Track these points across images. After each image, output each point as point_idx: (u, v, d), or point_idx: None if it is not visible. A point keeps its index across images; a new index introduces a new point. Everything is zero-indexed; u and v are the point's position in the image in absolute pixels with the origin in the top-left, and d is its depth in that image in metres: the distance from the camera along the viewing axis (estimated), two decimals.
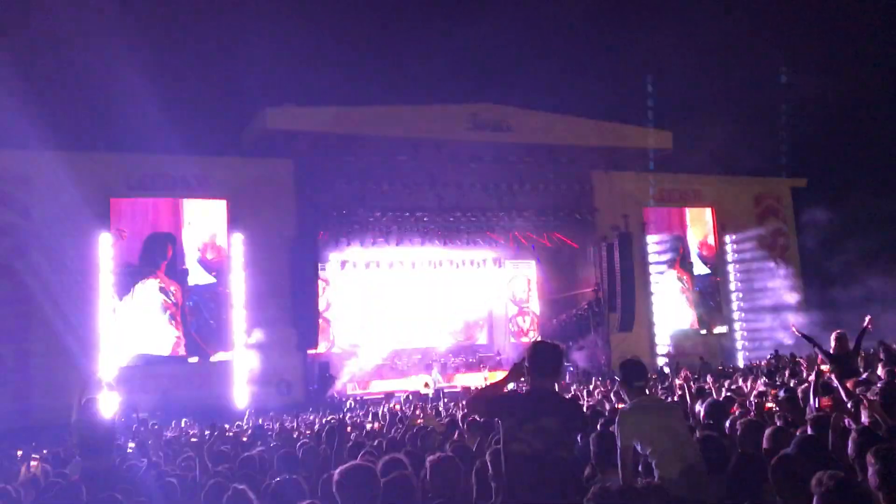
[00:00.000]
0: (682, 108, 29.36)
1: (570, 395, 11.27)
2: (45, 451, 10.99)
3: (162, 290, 22.07)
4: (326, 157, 22.91)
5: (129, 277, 21.77)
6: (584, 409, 5.16)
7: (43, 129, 20.72)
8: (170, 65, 28.17)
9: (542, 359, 4.36)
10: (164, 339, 21.98)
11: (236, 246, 22.55)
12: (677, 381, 15.81)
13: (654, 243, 28.20)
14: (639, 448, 4.71)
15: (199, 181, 22.66)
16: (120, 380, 20.45)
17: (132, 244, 21.87)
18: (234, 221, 22.60)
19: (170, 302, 22.07)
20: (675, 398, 8.78)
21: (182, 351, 22.06)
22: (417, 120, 23.53)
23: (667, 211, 29.02)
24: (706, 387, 11.57)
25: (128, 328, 21.52)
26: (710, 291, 29.27)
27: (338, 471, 3.84)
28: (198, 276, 22.53)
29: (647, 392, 5.15)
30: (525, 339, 29.45)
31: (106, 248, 21.02)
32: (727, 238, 29.33)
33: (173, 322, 22.07)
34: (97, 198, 21.22)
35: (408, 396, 22.05)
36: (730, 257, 29.32)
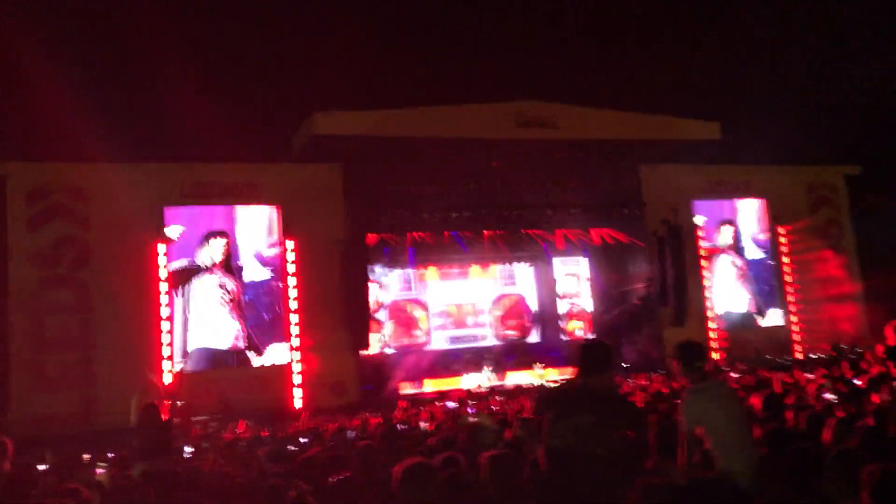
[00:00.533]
0: (730, 97, 28.91)
1: (621, 392, 11.23)
2: (110, 455, 11.33)
3: (220, 285, 22.54)
4: (374, 160, 23.13)
5: (187, 275, 22.26)
6: (634, 407, 5.15)
7: (99, 142, 21.40)
8: (219, 74, 28.69)
9: (589, 357, 4.43)
10: (224, 333, 22.43)
11: (288, 251, 22.88)
12: (733, 375, 15.65)
13: (705, 233, 27.79)
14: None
15: (250, 188, 23.10)
16: (178, 383, 20.97)
17: (189, 242, 22.39)
18: (285, 227, 22.97)
19: (228, 297, 22.54)
20: None
21: (241, 344, 22.49)
22: (463, 120, 23.55)
23: (717, 202, 28.57)
24: (763, 378, 11.41)
25: (189, 326, 22.06)
26: (765, 276, 28.74)
27: (397, 469, 3.92)
28: (253, 273, 22.97)
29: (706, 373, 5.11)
30: (576, 336, 29.35)
31: (162, 256, 21.49)
32: (780, 229, 28.74)
33: (233, 315, 22.53)
34: (152, 207, 21.80)
35: (461, 395, 22.17)
36: (784, 248, 28.72)
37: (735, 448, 4.56)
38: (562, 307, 29.89)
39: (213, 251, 22.59)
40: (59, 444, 15.84)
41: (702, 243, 27.44)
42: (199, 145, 23.11)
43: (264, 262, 23.14)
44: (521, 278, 30.09)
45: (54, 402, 19.97)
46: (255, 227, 23.15)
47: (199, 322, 22.19)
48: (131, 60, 26.87)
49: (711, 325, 27.03)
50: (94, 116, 22.20)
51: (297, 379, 22.40)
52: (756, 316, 28.26)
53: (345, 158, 23.45)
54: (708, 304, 27.15)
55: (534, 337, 29.75)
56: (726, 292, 28.00)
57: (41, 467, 9.87)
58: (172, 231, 22.12)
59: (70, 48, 24.89)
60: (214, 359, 22.22)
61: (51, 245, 20.79)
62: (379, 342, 26.46)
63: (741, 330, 27.58)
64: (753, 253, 28.80)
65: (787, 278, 28.59)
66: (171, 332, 21.28)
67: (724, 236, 28.41)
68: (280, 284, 22.94)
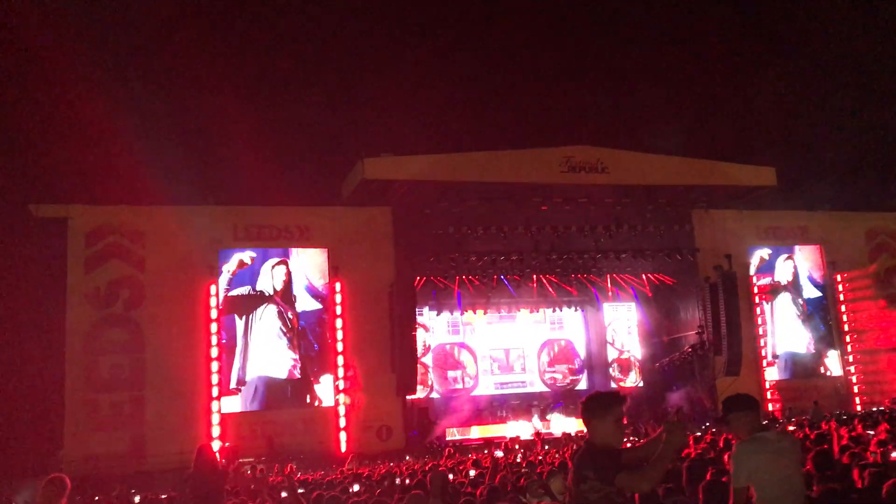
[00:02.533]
0: (786, 142, 28.52)
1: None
2: (163, 497, 11.39)
3: (279, 314, 22.92)
4: (423, 204, 23.25)
5: (250, 302, 22.72)
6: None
7: (156, 186, 22.02)
8: (272, 119, 29.37)
9: (591, 409, 4.29)
10: (281, 362, 22.72)
11: (336, 292, 23.02)
12: (790, 427, 15.12)
13: (761, 275, 27.24)
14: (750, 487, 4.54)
15: (301, 231, 23.42)
16: (226, 425, 21.10)
17: (253, 268, 22.90)
18: (334, 268, 23.15)
19: (286, 328, 22.88)
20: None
21: (297, 374, 22.71)
22: (512, 164, 23.59)
23: (773, 249, 28.06)
24: (822, 432, 10.95)
25: (249, 354, 22.38)
26: (822, 315, 28.02)
27: None
28: (304, 303, 23.28)
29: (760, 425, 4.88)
30: (624, 385, 28.83)
31: (214, 298, 21.79)
32: (838, 276, 28.02)
33: (290, 345, 22.82)
34: (207, 249, 22.21)
35: (507, 443, 21.82)
36: (841, 295, 27.95)
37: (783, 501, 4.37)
38: (611, 354, 29.43)
39: (275, 279, 23.06)
40: (109, 483, 16.03)
41: (759, 281, 26.92)
42: (252, 189, 23.62)
43: (315, 293, 23.39)
44: (569, 323, 29.79)
45: (106, 441, 20.24)
46: (308, 260, 23.51)
47: (259, 351, 22.53)
48: (188, 107, 27.69)
49: (769, 375, 26.32)
50: (152, 161, 22.88)
51: (342, 422, 22.35)
52: (816, 355, 27.52)
53: (394, 202, 23.64)
54: (763, 352, 26.47)
55: (582, 383, 29.31)
56: (786, 332, 27.36)
57: None
58: (245, 256, 22.64)
59: (128, 97, 25.76)
60: (272, 388, 22.43)
61: (106, 285, 21.28)
62: (425, 387, 26.30)
63: (803, 375, 26.86)
64: (811, 292, 28.13)
65: (846, 327, 27.77)
66: (220, 371, 21.44)
67: (785, 271, 27.84)
68: (330, 317, 23.17)
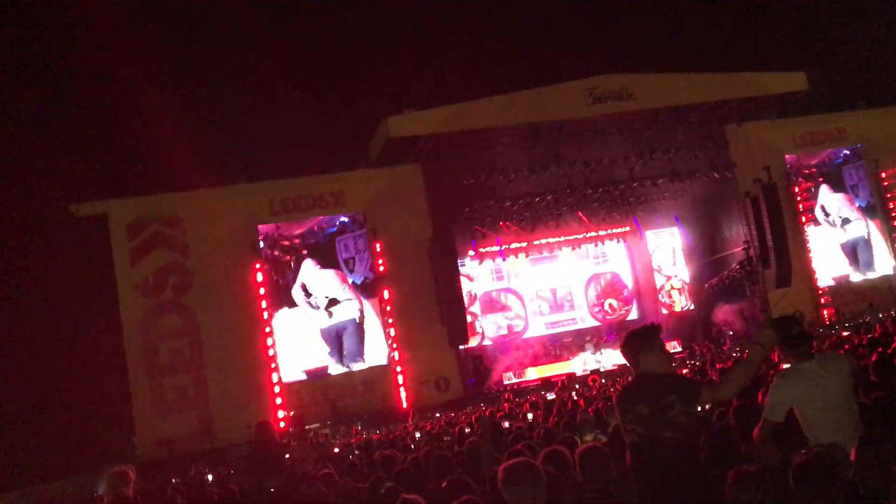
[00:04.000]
0: (813, 43, 27.62)
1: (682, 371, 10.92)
2: (231, 472, 11.78)
3: (311, 304, 23.42)
4: (452, 156, 23.12)
5: (284, 296, 23.19)
6: (686, 381, 4.92)
7: (189, 170, 22.34)
8: (293, 92, 29.37)
9: (629, 348, 4.34)
10: (319, 354, 23.32)
11: (378, 254, 23.21)
12: (844, 334, 14.94)
13: (802, 187, 26.74)
14: (794, 415, 4.50)
15: (335, 198, 23.52)
16: (289, 394, 21.64)
17: (284, 264, 23.32)
18: (372, 231, 23.29)
19: (320, 320, 23.48)
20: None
21: (339, 367, 23.30)
22: (535, 103, 23.27)
23: (812, 155, 27.44)
24: (876, 338, 10.75)
25: (291, 345, 22.83)
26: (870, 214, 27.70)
27: (501, 468, 3.89)
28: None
29: (811, 350, 4.76)
30: (676, 308, 28.71)
31: (259, 273, 22.14)
32: (882, 174, 27.31)
33: (325, 340, 23.42)
34: (246, 227, 22.50)
35: (563, 381, 22.01)
36: (888, 194, 27.27)
37: (828, 429, 4.30)
38: (658, 280, 29.25)
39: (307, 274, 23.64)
40: (183, 464, 16.60)
41: (800, 202, 26.49)
42: (283, 162, 23.81)
43: (355, 271, 23.85)
44: (613, 256, 29.62)
45: (175, 423, 20.89)
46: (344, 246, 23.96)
47: (299, 345, 23.11)
48: (212, 89, 27.83)
49: (819, 281, 26.00)
50: (182, 147, 23.17)
51: (400, 379, 22.72)
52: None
53: (422, 158, 23.58)
54: (812, 256, 26.12)
55: (633, 313, 29.25)
56: (831, 247, 27.05)
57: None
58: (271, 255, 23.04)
59: (152, 84, 25.95)
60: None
61: (154, 274, 21.73)
62: (476, 335, 26.50)
63: (850, 284, 26.52)
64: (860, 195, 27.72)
65: (895, 223, 27.18)
66: (273, 346, 21.93)
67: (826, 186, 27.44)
68: (376, 300, 23.52)
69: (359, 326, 23.53)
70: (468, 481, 5.11)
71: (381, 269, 23.19)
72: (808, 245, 26.19)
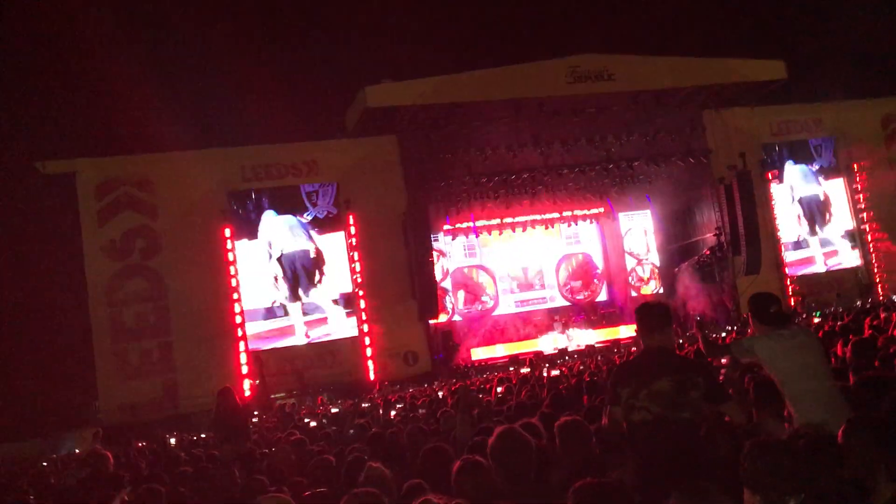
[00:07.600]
0: (793, 33, 27.73)
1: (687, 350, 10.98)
2: (194, 437, 11.64)
3: (284, 260, 22.96)
4: (429, 129, 22.93)
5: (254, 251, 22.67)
6: (704, 362, 4.98)
7: (160, 132, 21.87)
8: (272, 53, 28.89)
9: (647, 320, 4.29)
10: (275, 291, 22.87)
11: (350, 225, 22.98)
12: (815, 320, 15.11)
13: (776, 175, 26.92)
14: (770, 372, 4.58)
15: (309, 167, 23.22)
16: (255, 363, 21.43)
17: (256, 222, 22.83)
18: (345, 201, 23.04)
19: (287, 271, 22.94)
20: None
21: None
22: (515, 80, 23.08)
23: (787, 144, 27.64)
24: (846, 324, 10.87)
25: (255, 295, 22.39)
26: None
27: (495, 434, 3.84)
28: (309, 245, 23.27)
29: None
30: (645, 292, 28.89)
31: (229, 241, 21.81)
32: (855, 165, 27.61)
33: (286, 285, 22.89)
34: (216, 192, 22.12)
35: (531, 358, 22.08)
36: (858, 185, 27.60)
37: (810, 399, 4.32)
38: (629, 263, 29.40)
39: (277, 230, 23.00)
40: (146, 429, 16.42)
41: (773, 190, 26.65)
42: (256, 128, 23.40)
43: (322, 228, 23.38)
44: (585, 237, 29.70)
45: (139, 388, 20.63)
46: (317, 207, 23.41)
47: (260, 289, 22.55)
48: (186, 50, 27.26)
49: (788, 270, 26.30)
50: (154, 107, 22.67)
51: (368, 351, 22.63)
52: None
53: (399, 130, 23.33)
54: (781, 246, 26.41)
55: (602, 295, 29.41)
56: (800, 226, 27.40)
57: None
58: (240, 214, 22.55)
59: (125, 44, 25.36)
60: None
61: (122, 236, 21.33)
62: (446, 311, 26.46)
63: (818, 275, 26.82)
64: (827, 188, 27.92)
65: (864, 216, 27.54)
66: (241, 314, 21.64)
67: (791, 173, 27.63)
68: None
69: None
70: (446, 448, 5.05)
71: (354, 241, 22.97)
72: (778, 234, 26.43)
